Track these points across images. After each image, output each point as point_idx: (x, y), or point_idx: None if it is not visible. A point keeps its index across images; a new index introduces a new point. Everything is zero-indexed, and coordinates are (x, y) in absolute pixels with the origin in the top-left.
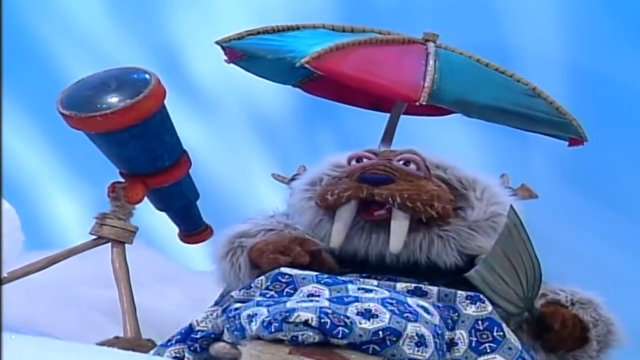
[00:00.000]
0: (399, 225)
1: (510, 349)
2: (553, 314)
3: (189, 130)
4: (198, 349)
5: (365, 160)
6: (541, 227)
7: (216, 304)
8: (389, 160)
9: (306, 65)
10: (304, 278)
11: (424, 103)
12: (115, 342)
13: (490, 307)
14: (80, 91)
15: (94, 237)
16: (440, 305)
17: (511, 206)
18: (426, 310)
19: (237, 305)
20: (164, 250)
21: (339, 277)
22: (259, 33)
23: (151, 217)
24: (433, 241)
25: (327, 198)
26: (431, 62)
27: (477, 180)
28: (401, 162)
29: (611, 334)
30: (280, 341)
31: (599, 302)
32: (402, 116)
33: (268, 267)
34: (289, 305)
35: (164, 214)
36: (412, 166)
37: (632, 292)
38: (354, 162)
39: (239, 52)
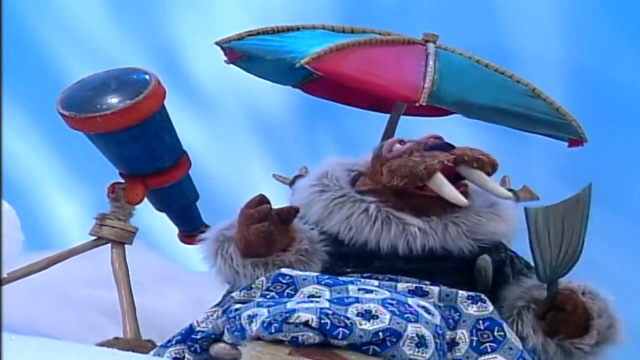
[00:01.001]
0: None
1: (510, 348)
2: (568, 297)
3: (189, 130)
4: (198, 350)
5: (406, 142)
6: None
7: (217, 304)
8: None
9: (306, 66)
10: (304, 279)
11: (423, 104)
12: (115, 343)
13: (491, 307)
14: (80, 92)
15: (93, 237)
16: (441, 305)
17: (590, 184)
18: (427, 310)
19: (238, 306)
20: (164, 251)
21: (339, 278)
22: (258, 34)
23: (151, 218)
24: (447, 226)
25: (432, 166)
26: (431, 63)
27: None
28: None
29: (612, 328)
30: (280, 342)
31: (608, 298)
32: (402, 116)
33: (257, 242)
34: (289, 306)
35: (163, 214)
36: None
37: (632, 292)
38: (398, 146)
39: (238, 52)
